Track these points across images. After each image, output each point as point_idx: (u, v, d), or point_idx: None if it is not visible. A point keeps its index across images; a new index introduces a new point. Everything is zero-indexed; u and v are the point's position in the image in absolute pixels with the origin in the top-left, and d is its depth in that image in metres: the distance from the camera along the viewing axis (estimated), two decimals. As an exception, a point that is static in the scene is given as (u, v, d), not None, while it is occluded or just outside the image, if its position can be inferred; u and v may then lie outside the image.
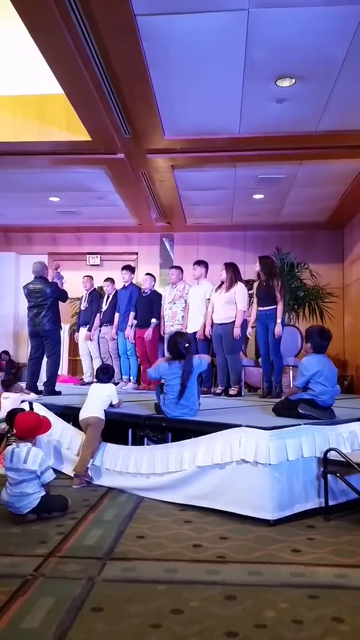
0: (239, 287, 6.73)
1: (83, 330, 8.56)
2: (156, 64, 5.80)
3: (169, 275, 7.76)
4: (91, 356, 8.50)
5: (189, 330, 7.12)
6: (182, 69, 5.90)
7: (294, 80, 6.09)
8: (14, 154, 7.91)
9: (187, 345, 4.54)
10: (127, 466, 4.42)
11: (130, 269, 8.34)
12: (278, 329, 6.31)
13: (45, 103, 7.38)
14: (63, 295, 6.88)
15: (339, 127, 7.15)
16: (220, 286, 6.91)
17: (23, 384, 6.62)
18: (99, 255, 12.32)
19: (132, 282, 8.27)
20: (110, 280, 8.52)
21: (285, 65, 5.82)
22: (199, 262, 7.42)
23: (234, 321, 6.62)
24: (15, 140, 7.56)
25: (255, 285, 6.79)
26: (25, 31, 5.28)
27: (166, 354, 5.82)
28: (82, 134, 7.37)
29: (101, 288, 8.83)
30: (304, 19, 5.07)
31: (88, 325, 8.40)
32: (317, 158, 8.13)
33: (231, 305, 6.69)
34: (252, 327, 6.73)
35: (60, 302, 6.88)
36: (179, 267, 7.75)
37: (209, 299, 7.03)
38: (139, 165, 8.42)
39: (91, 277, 8.81)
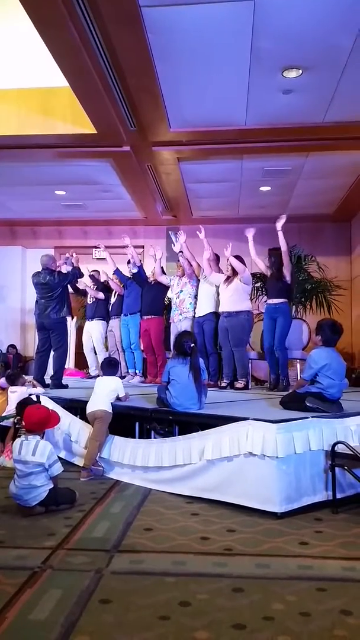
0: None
1: (89, 324, 8.58)
2: (161, 55, 5.76)
3: (178, 266, 7.70)
4: (95, 350, 8.51)
5: (197, 314, 7.14)
6: (187, 60, 5.86)
7: (300, 71, 6.03)
8: (19, 147, 7.89)
9: (192, 345, 4.61)
10: (134, 459, 4.43)
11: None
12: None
13: (51, 96, 7.35)
14: (70, 277, 6.90)
15: (347, 118, 7.08)
16: (227, 279, 6.91)
17: (30, 377, 6.64)
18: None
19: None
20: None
21: (292, 55, 5.77)
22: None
23: (241, 312, 6.64)
24: (20, 134, 7.52)
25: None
26: (30, 24, 5.26)
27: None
28: (87, 127, 7.34)
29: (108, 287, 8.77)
30: (311, 8, 5.01)
31: (94, 319, 8.43)
32: (324, 150, 8.06)
33: (237, 295, 6.70)
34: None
35: (73, 291, 6.95)
36: (187, 260, 7.71)
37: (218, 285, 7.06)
38: (144, 158, 8.39)
39: (98, 271, 8.82)
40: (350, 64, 5.88)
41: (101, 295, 8.51)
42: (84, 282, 8.40)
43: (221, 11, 5.07)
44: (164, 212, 11.31)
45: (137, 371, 7.98)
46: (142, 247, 12.04)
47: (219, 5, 5.00)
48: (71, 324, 9.71)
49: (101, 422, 4.69)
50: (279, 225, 6.46)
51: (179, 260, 7.59)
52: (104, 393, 4.90)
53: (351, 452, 3.64)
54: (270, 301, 6.59)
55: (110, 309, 8.48)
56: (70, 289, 7.24)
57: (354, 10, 5.04)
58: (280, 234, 6.46)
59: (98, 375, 6.66)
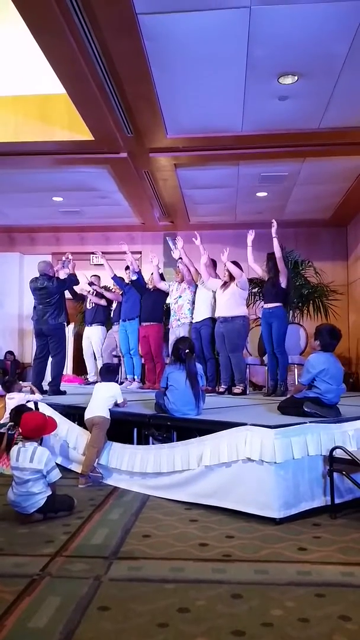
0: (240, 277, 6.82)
1: (88, 329, 8.58)
2: (158, 62, 5.79)
3: (177, 272, 7.71)
4: (95, 356, 8.51)
5: (195, 320, 7.15)
6: (184, 67, 5.89)
7: (296, 78, 6.07)
8: (16, 154, 7.90)
9: (187, 351, 4.63)
10: (133, 465, 4.42)
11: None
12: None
13: (48, 103, 7.37)
14: (67, 283, 6.91)
15: (342, 124, 7.12)
16: (224, 285, 6.92)
17: (27, 384, 6.63)
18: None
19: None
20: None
21: (288, 62, 5.80)
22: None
23: (237, 317, 6.66)
24: (17, 141, 7.55)
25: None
26: (26, 31, 5.28)
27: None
28: (84, 134, 7.36)
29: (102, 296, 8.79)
30: (306, 15, 5.05)
31: (93, 324, 8.45)
32: (320, 155, 8.10)
33: (234, 300, 6.72)
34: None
35: (70, 297, 7.10)
36: (185, 266, 7.72)
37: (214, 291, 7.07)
38: (141, 164, 8.41)
39: (98, 276, 8.83)
40: (345, 70, 5.92)
41: (104, 302, 8.54)
42: (85, 289, 8.43)
43: (217, 19, 5.10)
44: (161, 218, 11.33)
45: (135, 377, 7.98)
46: (140, 252, 12.07)
47: (215, 12, 5.02)
48: (69, 330, 9.72)
49: (99, 429, 4.69)
50: (273, 231, 6.48)
51: (178, 267, 7.61)
52: (102, 399, 4.89)
53: (349, 457, 3.64)
54: (266, 306, 6.61)
55: (112, 315, 8.51)
56: (68, 294, 7.25)
57: (349, 17, 5.08)
58: (275, 240, 6.48)
59: (96, 382, 6.65)
